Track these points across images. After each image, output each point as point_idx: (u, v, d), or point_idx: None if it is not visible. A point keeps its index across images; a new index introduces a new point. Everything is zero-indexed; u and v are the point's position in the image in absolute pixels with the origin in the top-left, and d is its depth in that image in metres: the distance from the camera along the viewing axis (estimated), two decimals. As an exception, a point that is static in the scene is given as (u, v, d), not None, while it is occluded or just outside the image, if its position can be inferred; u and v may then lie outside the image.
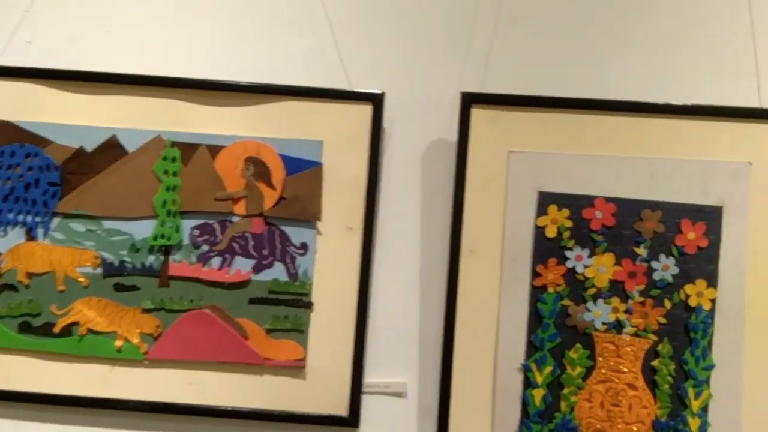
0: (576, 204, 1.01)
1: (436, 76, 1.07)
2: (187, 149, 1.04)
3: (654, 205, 1.00)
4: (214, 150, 1.04)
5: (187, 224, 1.03)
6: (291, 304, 1.02)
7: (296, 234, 1.03)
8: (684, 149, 1.01)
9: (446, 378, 0.99)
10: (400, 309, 1.04)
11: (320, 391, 1.01)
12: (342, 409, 1.01)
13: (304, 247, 1.02)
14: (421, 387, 1.04)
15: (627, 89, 1.04)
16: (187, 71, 1.06)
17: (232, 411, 1.01)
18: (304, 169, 1.03)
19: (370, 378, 1.03)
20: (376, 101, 1.03)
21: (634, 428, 0.98)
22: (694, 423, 0.98)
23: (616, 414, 0.99)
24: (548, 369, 1.00)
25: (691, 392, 0.98)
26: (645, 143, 1.01)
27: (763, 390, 0.97)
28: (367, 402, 1.03)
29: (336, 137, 1.03)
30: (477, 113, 1.04)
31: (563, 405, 1.00)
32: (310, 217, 1.03)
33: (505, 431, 1.00)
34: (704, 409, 0.98)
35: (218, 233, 1.04)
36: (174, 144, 1.04)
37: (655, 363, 0.98)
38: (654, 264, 0.99)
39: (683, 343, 0.98)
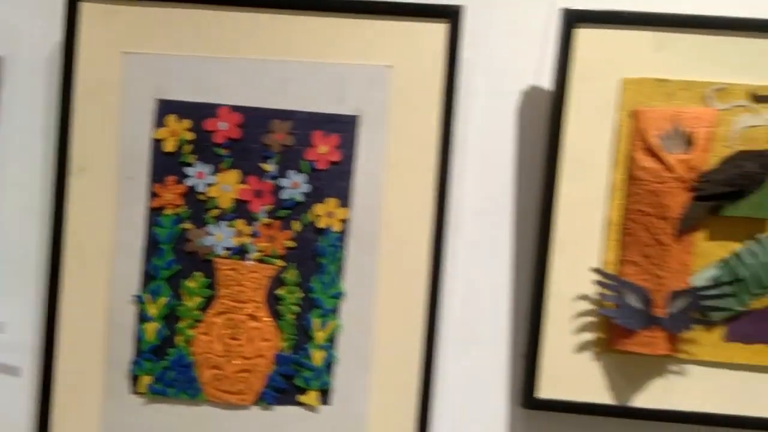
0: (198, 114, 0.88)
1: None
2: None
3: (285, 115, 0.88)
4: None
5: None
6: None
7: None
8: (320, 51, 0.88)
9: (51, 313, 0.88)
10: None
11: None
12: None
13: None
14: (21, 324, 0.95)
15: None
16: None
17: None
18: None
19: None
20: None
21: (254, 362, 0.90)
22: (318, 355, 0.88)
23: (234, 348, 0.89)
24: (163, 300, 0.88)
25: (316, 322, 0.88)
26: (277, 44, 0.88)
27: (395, 320, 0.88)
28: None
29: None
30: (87, 8, 0.89)
31: (179, 339, 0.89)
32: None
33: (118, 370, 0.92)
34: (331, 340, 0.89)
35: None
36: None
37: (280, 291, 0.89)
38: (282, 181, 0.87)
39: (311, 269, 0.89)
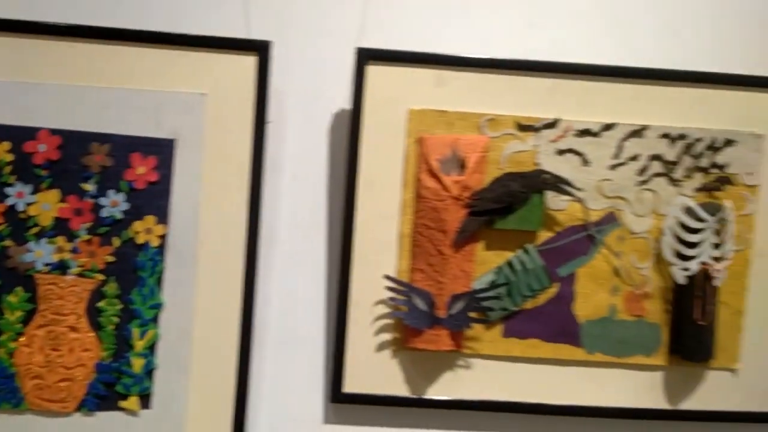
0: (18, 136, 0.93)
1: None
2: None
3: (104, 138, 0.94)
4: None
5: None
6: None
7: None
8: (139, 79, 0.94)
9: None
10: None
11: None
12: None
13: None
14: None
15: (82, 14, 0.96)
16: None
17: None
18: None
19: None
20: None
21: (76, 372, 0.95)
22: (138, 363, 0.94)
23: (55, 359, 0.94)
24: (-17, 315, 0.95)
25: (135, 332, 0.95)
26: (96, 72, 0.94)
27: (212, 328, 0.96)
28: None
29: None
30: None
31: (1, 352, 0.93)
32: None
33: (-64, 384, 0.95)
34: (151, 348, 0.96)
35: None
36: None
37: (100, 304, 0.94)
38: (102, 200, 0.93)
39: (131, 282, 0.95)
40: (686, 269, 0.99)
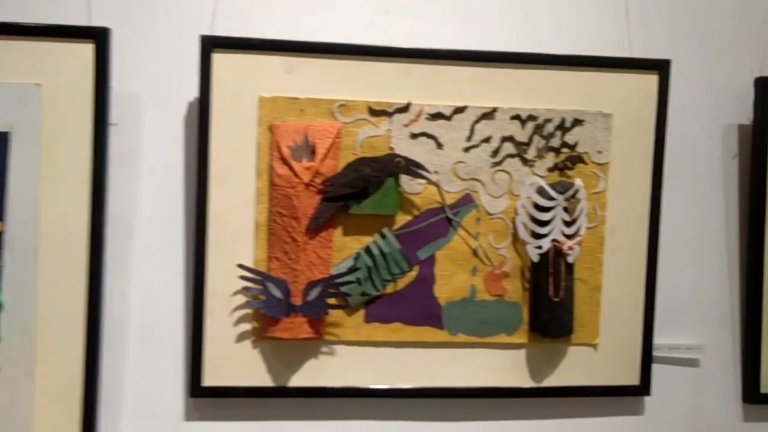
0: None
1: None
2: None
3: (-68, 133, 0.93)
4: None
5: None
6: None
7: None
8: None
9: None
10: None
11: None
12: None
13: None
14: None
15: None
16: None
17: None
18: None
19: None
20: None
21: None
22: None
23: None
24: None
25: (-29, 335, 0.94)
26: None
27: (56, 327, 0.91)
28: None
29: None
30: None
31: None
32: None
33: None
34: (-11, 352, 0.95)
35: None
36: None
37: (-68, 307, 0.93)
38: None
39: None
40: (539, 247, 1.02)
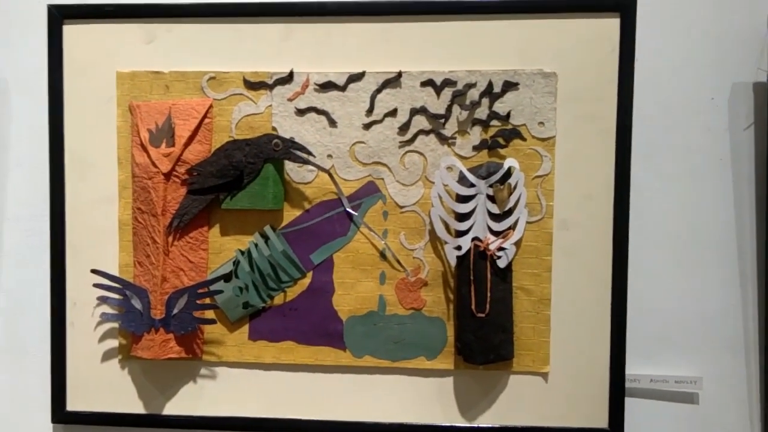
0: None
1: None
2: None
3: None
4: None
5: None
6: None
7: None
8: None
9: None
10: None
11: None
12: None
13: None
14: None
15: None
16: None
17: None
18: None
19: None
20: None
21: None
22: None
23: None
24: None
25: None
26: None
27: None
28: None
29: None
30: None
31: None
32: None
33: None
34: None
35: None
36: None
37: None
38: None
39: None
40: (458, 248, 0.80)
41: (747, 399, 0.81)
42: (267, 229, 0.82)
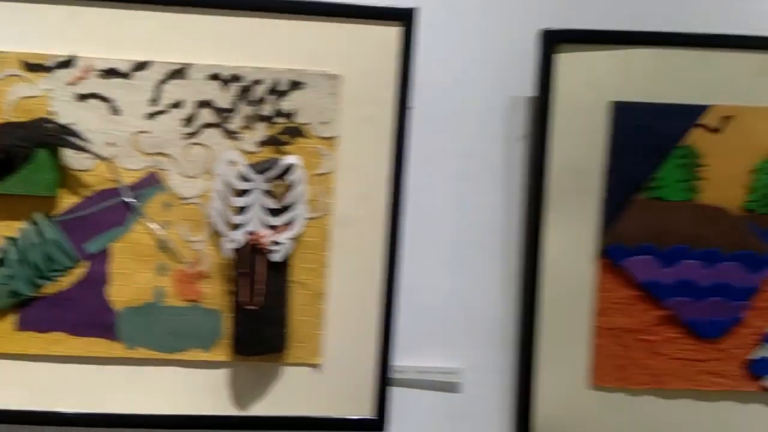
0: None
1: None
2: None
3: None
4: None
5: None
6: None
7: None
8: None
9: None
10: None
11: None
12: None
13: None
14: None
15: None
16: None
17: None
18: None
19: None
20: None
21: None
22: None
23: None
24: None
25: None
26: None
27: None
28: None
29: None
30: None
31: None
32: None
33: None
34: None
35: None
36: None
37: None
38: None
39: None
40: (233, 240, 0.83)
41: (503, 387, 0.87)
42: (37, 215, 0.80)
